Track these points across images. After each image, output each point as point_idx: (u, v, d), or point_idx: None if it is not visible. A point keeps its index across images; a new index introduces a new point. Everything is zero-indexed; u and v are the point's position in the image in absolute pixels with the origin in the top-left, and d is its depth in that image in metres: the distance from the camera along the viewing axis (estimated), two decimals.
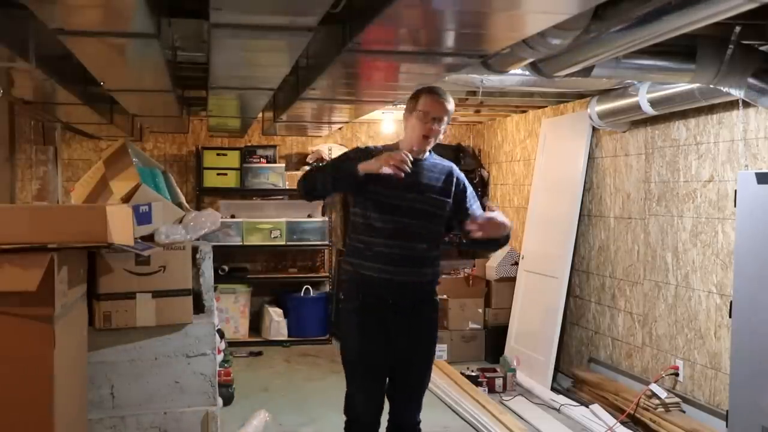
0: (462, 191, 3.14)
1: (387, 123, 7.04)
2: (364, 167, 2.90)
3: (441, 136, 3.08)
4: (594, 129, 5.41)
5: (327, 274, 7.39)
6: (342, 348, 3.17)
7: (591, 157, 5.49)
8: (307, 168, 7.28)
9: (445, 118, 3.03)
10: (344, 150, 3.09)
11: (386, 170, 2.82)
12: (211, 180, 7.11)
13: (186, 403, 3.28)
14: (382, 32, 2.60)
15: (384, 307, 3.01)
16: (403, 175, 2.82)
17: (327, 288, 7.34)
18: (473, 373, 5.56)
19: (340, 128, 6.99)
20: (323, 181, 3.02)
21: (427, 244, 3.04)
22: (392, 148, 3.08)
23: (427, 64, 3.16)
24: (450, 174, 3.12)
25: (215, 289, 3.73)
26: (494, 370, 5.64)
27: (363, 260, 3.03)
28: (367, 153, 3.03)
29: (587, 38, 2.96)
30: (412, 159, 2.86)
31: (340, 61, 3.07)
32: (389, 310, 3.01)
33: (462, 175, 3.18)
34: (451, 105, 3.04)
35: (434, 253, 3.10)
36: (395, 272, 2.99)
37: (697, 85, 3.81)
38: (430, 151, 3.13)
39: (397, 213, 2.99)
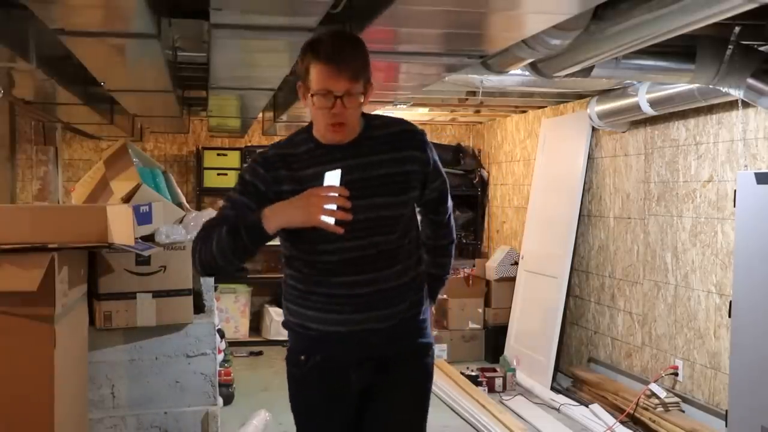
0: (424, 167, 2.07)
1: None
2: (275, 223, 1.89)
3: (362, 107, 1.95)
4: (594, 129, 5.41)
5: None
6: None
7: (591, 157, 5.49)
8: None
9: (359, 87, 1.89)
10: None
11: (321, 222, 1.86)
12: (211, 180, 7.10)
13: (186, 402, 3.28)
14: (382, 32, 2.60)
15: (342, 370, 2.09)
16: (342, 230, 1.87)
17: None
18: (473, 373, 5.56)
19: None
20: (223, 255, 1.93)
21: (394, 264, 2.05)
22: (303, 135, 2.03)
23: (427, 64, 3.17)
24: (403, 141, 2.04)
25: (215, 289, 3.73)
26: (494, 370, 5.64)
27: (304, 308, 2.08)
28: (268, 165, 2.00)
29: (587, 38, 2.97)
30: (345, 192, 1.87)
31: None
32: (351, 372, 2.09)
33: (420, 137, 2.07)
34: (359, 60, 1.90)
35: (408, 272, 2.09)
36: (353, 321, 2.03)
37: (697, 85, 3.81)
38: (364, 116, 2.03)
39: (339, 236, 1.91)
